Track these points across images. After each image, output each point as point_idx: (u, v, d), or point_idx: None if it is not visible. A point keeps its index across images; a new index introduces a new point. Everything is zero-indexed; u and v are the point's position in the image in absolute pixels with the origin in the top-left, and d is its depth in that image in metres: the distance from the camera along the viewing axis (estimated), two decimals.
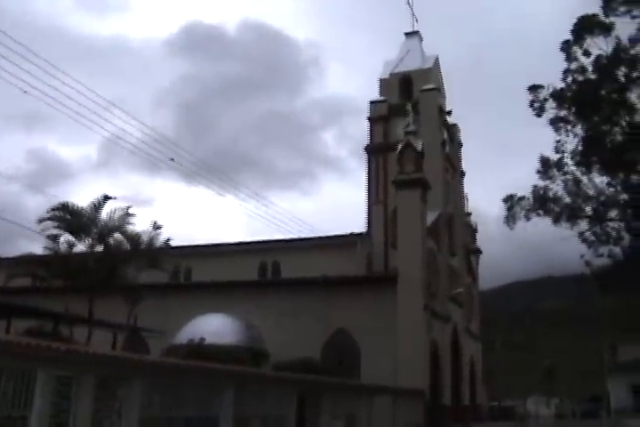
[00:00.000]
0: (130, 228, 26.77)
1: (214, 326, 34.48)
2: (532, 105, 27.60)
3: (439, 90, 46.09)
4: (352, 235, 42.82)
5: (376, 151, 44.25)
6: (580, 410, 68.45)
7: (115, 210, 26.02)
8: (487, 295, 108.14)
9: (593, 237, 27.47)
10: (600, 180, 27.63)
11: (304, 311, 34.67)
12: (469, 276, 49.08)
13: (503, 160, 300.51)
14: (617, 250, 27.64)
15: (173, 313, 36.05)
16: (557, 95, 27.27)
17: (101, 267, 25.22)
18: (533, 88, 27.60)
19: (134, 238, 27.05)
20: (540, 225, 28.98)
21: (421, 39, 50.30)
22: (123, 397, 11.86)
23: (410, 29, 50.83)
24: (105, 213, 25.86)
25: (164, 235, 28.97)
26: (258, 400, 16.95)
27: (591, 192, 27.84)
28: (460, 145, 50.38)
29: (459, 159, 49.92)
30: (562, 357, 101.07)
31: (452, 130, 48.19)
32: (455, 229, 45.34)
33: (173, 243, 49.56)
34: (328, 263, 39.37)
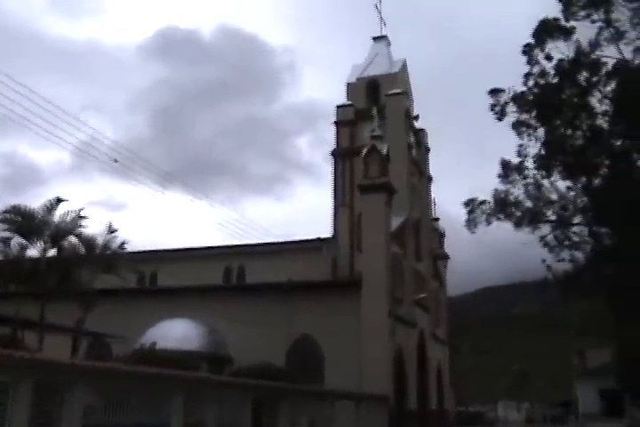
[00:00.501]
0: (84, 231, 26.29)
1: (177, 331, 34.21)
2: (492, 109, 27.49)
3: (406, 94, 45.92)
4: (318, 239, 42.60)
5: (342, 155, 44.00)
6: (550, 415, 68.76)
7: (68, 212, 25.54)
8: (459, 301, 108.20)
9: (555, 242, 27.37)
10: (561, 184, 27.56)
11: (268, 316, 34.38)
12: (436, 281, 48.94)
13: (476, 165, 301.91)
14: (579, 255, 27.58)
15: (138, 318, 35.67)
16: (518, 99, 27.18)
17: (54, 271, 24.71)
18: (494, 92, 27.50)
19: (89, 242, 26.54)
20: (510, 230, 28.89)
21: (389, 43, 50.16)
22: (63, 403, 11.54)
23: (378, 34, 50.81)
24: (58, 215, 25.36)
25: (130, 239, 28.54)
26: (211, 406, 16.62)
27: (552, 196, 27.79)
28: (428, 150, 50.26)
29: (426, 164, 49.81)
30: (533, 362, 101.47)
31: (419, 134, 48.08)
32: (422, 234, 45.19)
33: (139, 247, 49.40)
34: (294, 268, 39.18)
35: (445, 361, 50.51)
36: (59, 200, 25.30)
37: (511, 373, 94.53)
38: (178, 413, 14.85)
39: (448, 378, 50.47)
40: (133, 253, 47.79)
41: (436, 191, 50.79)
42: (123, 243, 28.30)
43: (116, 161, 35.73)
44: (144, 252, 48.24)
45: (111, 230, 27.40)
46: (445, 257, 52.81)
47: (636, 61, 26.52)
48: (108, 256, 27.19)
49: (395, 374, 33.70)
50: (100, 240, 27.00)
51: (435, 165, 59.77)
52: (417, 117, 47.80)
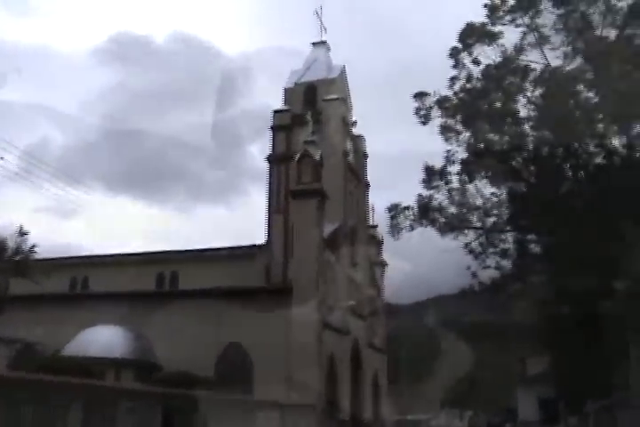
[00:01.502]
0: None
1: (102, 338, 33.52)
2: (417, 112, 27.21)
3: (343, 100, 45.58)
4: (252, 246, 42.04)
5: (278, 161, 43.46)
6: (486, 422, 68.84)
7: None
8: (409, 309, 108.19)
9: (480, 249, 27.15)
10: (486, 190, 27.35)
11: (199, 323, 33.79)
12: (373, 289, 48.54)
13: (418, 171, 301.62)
14: (505, 262, 27.39)
15: (68, 324, 34.85)
16: (443, 103, 26.96)
17: None
18: (419, 95, 27.22)
19: None
20: (460, 237, 28.54)
21: (329, 49, 49.81)
22: None
23: (318, 39, 50.47)
24: None
25: (71, 244, 27.69)
26: (120, 416, 15.92)
27: (477, 202, 27.56)
28: (366, 156, 49.84)
29: (363, 170, 49.42)
30: (481, 369, 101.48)
31: (357, 140, 47.74)
32: (358, 242, 44.78)
33: (73, 253, 48.39)
34: (227, 275, 38.59)
35: (383, 370, 50.07)
36: None
37: (457, 380, 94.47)
38: (75, 424, 14.14)
39: (385, 387, 50.02)
40: (66, 258, 47.27)
41: (375, 198, 50.27)
42: (33, 246, 27.43)
43: (1, 158, 33.75)
44: (76, 257, 47.46)
45: (22, 233, 26.55)
46: (383, 264, 52.44)
47: (564, 67, 26.51)
48: (19, 260, 26.32)
49: (326, 382, 33.25)
50: (10, 244, 26.15)
51: (375, 172, 59.33)
52: (355, 123, 47.46)
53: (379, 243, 52.04)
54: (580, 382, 27.98)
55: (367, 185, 49.62)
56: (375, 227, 51.18)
